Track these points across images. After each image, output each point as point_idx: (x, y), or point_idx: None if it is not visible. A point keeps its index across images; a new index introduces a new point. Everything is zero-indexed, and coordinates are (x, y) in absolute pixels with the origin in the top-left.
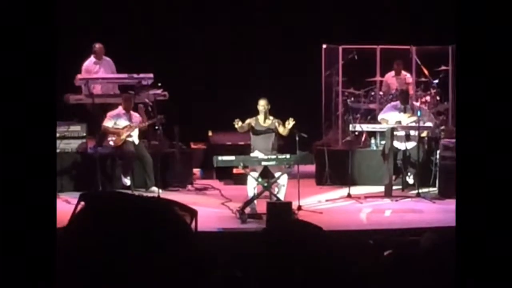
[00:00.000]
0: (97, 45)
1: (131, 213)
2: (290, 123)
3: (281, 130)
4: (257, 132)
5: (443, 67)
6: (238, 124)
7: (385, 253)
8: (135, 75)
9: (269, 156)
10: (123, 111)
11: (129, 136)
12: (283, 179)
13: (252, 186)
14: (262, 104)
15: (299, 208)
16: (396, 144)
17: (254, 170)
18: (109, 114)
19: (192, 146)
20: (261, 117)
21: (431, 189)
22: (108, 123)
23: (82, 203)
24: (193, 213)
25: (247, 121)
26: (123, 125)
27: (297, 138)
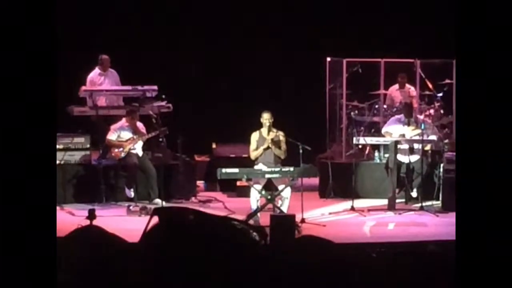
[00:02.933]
0: (103, 57)
1: (203, 233)
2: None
3: (277, 152)
4: (261, 145)
5: (447, 81)
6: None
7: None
8: (139, 87)
9: (273, 169)
10: (126, 124)
11: (133, 148)
12: (287, 192)
13: (255, 198)
14: (265, 118)
15: (303, 220)
16: (400, 157)
17: (258, 183)
18: (113, 127)
19: (196, 158)
20: (264, 130)
21: (434, 202)
22: (111, 136)
23: (156, 217)
24: (264, 235)
25: (252, 140)
26: (126, 138)
27: (300, 151)
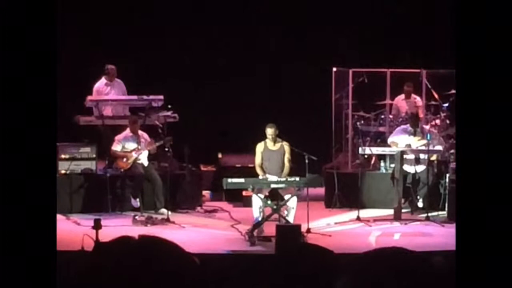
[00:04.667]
0: (110, 66)
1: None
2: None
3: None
4: (266, 156)
5: (453, 91)
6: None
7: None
8: (145, 97)
9: (279, 179)
10: (131, 134)
11: (138, 158)
12: (293, 202)
13: (257, 207)
14: (269, 133)
15: (308, 231)
16: (406, 167)
17: (260, 192)
18: (117, 137)
19: (202, 168)
20: (269, 141)
21: (440, 212)
22: (116, 147)
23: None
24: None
25: (258, 150)
26: (131, 148)
27: (306, 161)
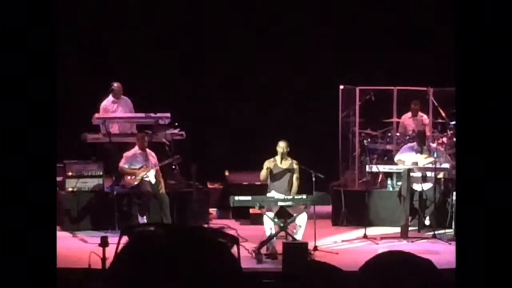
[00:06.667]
0: (116, 84)
1: (177, 246)
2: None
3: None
4: (274, 173)
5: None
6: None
7: None
8: (152, 115)
9: (286, 197)
10: (139, 151)
11: (146, 175)
12: (302, 220)
13: (268, 226)
14: (281, 146)
15: (315, 248)
16: (413, 185)
17: (270, 210)
18: (125, 155)
19: (209, 185)
20: (278, 158)
21: (447, 230)
22: (124, 164)
23: (125, 237)
24: (235, 240)
25: (265, 165)
26: (139, 165)
27: (313, 179)
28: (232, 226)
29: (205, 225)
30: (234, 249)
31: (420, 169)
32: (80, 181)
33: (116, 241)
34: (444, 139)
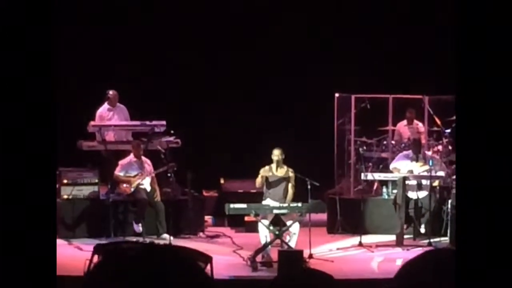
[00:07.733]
0: (111, 92)
1: (148, 264)
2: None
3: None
4: (270, 181)
5: (456, 117)
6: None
7: None
8: (147, 122)
9: (281, 204)
10: (134, 159)
11: (141, 183)
12: (295, 228)
13: (264, 234)
14: (276, 154)
15: (310, 256)
16: (408, 193)
17: (266, 218)
18: (121, 162)
19: (204, 193)
20: (274, 166)
21: (442, 238)
22: (119, 171)
23: (96, 256)
24: (208, 259)
25: (261, 173)
26: (134, 173)
27: (309, 187)
28: (227, 233)
29: (201, 233)
30: (208, 268)
31: (415, 177)
32: (76, 189)
33: None
34: (440, 147)
